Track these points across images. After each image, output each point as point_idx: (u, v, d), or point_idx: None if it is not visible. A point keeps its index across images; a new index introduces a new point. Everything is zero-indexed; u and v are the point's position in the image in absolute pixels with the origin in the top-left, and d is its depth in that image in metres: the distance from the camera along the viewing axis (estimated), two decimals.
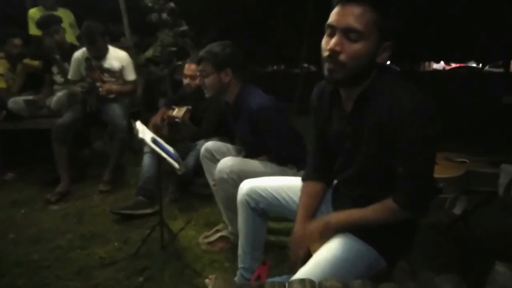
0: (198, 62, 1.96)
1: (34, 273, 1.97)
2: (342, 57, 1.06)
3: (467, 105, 4.69)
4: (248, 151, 2.10)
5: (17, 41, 3.53)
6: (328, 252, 1.19)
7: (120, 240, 2.29)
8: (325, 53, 1.09)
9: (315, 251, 1.27)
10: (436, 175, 1.84)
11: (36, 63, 3.70)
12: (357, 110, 1.17)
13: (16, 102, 3.23)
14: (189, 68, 2.76)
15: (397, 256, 1.29)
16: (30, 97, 3.36)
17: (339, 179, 1.38)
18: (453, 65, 10.42)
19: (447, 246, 2.14)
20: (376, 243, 1.20)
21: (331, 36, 1.08)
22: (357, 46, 1.05)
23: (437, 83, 5.61)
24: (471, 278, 1.35)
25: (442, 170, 1.91)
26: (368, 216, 1.18)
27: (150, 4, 3.90)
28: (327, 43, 1.08)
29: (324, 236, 1.22)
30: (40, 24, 3.33)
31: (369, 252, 1.20)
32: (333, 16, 1.08)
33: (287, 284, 0.86)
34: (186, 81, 2.78)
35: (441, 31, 5.37)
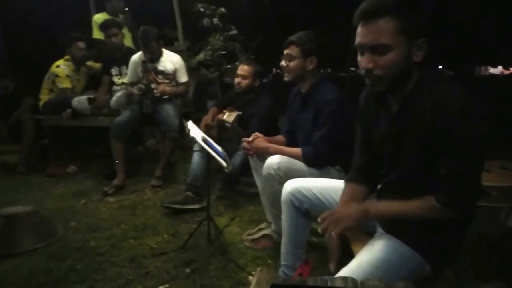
0: (287, 46, 2.00)
1: (92, 258, 2.12)
2: (377, 71, 1.11)
3: None
4: (299, 142, 2.09)
5: (81, 44, 3.80)
6: (371, 253, 1.19)
7: (169, 232, 2.41)
8: (362, 71, 1.14)
9: (357, 251, 1.28)
10: (489, 183, 1.79)
11: (97, 65, 3.99)
12: (402, 111, 1.18)
13: (80, 101, 3.50)
14: (242, 68, 2.86)
15: (443, 262, 1.26)
16: (92, 96, 3.63)
17: (383, 182, 1.37)
18: None
19: (498, 259, 2.04)
20: (421, 248, 1.18)
21: (362, 54, 1.13)
22: (388, 57, 1.09)
23: (493, 88, 5.27)
24: None
25: (496, 178, 1.84)
26: (408, 210, 1.16)
27: (202, 10, 4.05)
28: (361, 62, 1.13)
29: (360, 222, 1.22)
30: (102, 26, 3.62)
31: (413, 257, 1.18)
32: (358, 36, 1.13)
33: (329, 281, 0.88)
34: (237, 80, 2.87)
35: (498, 33, 5.05)
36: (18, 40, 4.45)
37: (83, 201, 3.00)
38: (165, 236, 2.37)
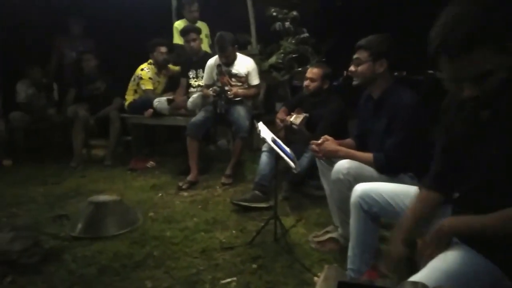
0: (356, 50, 1.98)
1: (167, 247, 2.28)
2: (481, 95, 1.03)
3: None
4: (371, 147, 2.04)
5: (163, 49, 4.12)
6: (444, 263, 1.12)
7: (237, 228, 2.51)
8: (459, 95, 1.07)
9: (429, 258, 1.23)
10: None
11: (177, 68, 4.28)
12: (495, 114, 1.09)
13: (160, 101, 3.79)
14: (311, 71, 2.89)
15: None
16: (171, 97, 3.91)
17: (462, 189, 1.28)
18: None
19: None
20: (500, 260, 1.09)
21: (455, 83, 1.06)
22: (493, 80, 1.00)
23: None
24: None
25: None
26: (488, 224, 1.07)
27: (274, 14, 4.14)
28: (458, 90, 1.06)
29: (437, 243, 1.16)
30: (182, 31, 3.89)
31: (490, 269, 1.10)
32: (448, 70, 1.03)
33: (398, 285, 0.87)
34: (306, 82, 2.90)
35: None
36: (109, 46, 4.94)
37: (160, 194, 3.23)
38: (234, 231, 2.47)
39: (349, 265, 1.63)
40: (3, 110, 4.34)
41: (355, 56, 1.98)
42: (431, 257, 1.15)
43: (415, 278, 1.10)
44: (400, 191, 1.49)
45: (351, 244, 1.63)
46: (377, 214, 1.53)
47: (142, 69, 4.09)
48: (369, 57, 1.92)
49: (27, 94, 4.43)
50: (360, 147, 2.12)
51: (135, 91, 4.17)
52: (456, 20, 0.97)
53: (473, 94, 1.02)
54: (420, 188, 1.37)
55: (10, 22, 4.70)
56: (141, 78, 4.06)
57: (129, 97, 4.18)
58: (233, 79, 3.48)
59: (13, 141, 4.30)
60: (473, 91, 1.02)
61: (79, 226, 2.49)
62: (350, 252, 1.63)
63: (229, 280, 1.94)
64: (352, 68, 1.99)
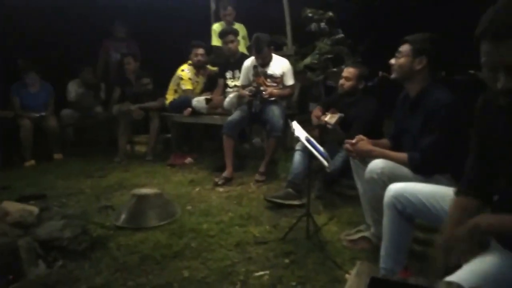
0: (401, 44, 1.98)
1: (203, 239, 2.38)
2: None
3: None
4: (405, 147, 2.01)
5: (199, 51, 4.27)
6: (481, 265, 1.11)
7: (270, 224, 2.58)
8: (496, 88, 1.04)
9: (466, 261, 1.20)
10: None
11: (215, 68, 4.42)
12: None
13: (199, 101, 3.95)
14: (347, 70, 2.91)
15: None
16: (209, 97, 4.05)
17: (502, 193, 1.24)
18: None
19: None
20: None
21: (493, 71, 1.03)
22: None
23: None
24: None
25: None
26: None
27: (310, 15, 4.16)
28: (495, 80, 1.03)
29: (472, 240, 1.12)
30: (220, 33, 4.02)
31: None
32: (489, 55, 1.02)
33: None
34: (341, 81, 2.92)
35: None
36: (152, 47, 5.18)
37: (197, 189, 3.36)
38: (267, 227, 2.54)
39: (381, 265, 1.62)
40: (55, 107, 4.68)
41: (399, 49, 1.98)
42: (464, 254, 1.12)
43: (451, 278, 1.09)
44: (436, 193, 1.47)
45: (384, 244, 1.62)
46: (411, 215, 1.52)
47: (182, 70, 4.26)
48: (410, 51, 1.92)
49: (77, 93, 4.75)
50: (396, 147, 2.10)
51: (175, 91, 4.35)
52: (508, 7, 0.97)
53: (506, 85, 1.00)
54: (457, 194, 1.31)
55: (63, 28, 5.04)
56: (181, 79, 4.23)
57: (170, 97, 4.36)
58: (268, 80, 3.56)
59: (64, 137, 4.63)
60: (506, 83, 0.99)
61: (123, 216, 2.64)
62: (383, 252, 1.63)
63: (262, 273, 2.00)
64: (392, 60, 1.99)
